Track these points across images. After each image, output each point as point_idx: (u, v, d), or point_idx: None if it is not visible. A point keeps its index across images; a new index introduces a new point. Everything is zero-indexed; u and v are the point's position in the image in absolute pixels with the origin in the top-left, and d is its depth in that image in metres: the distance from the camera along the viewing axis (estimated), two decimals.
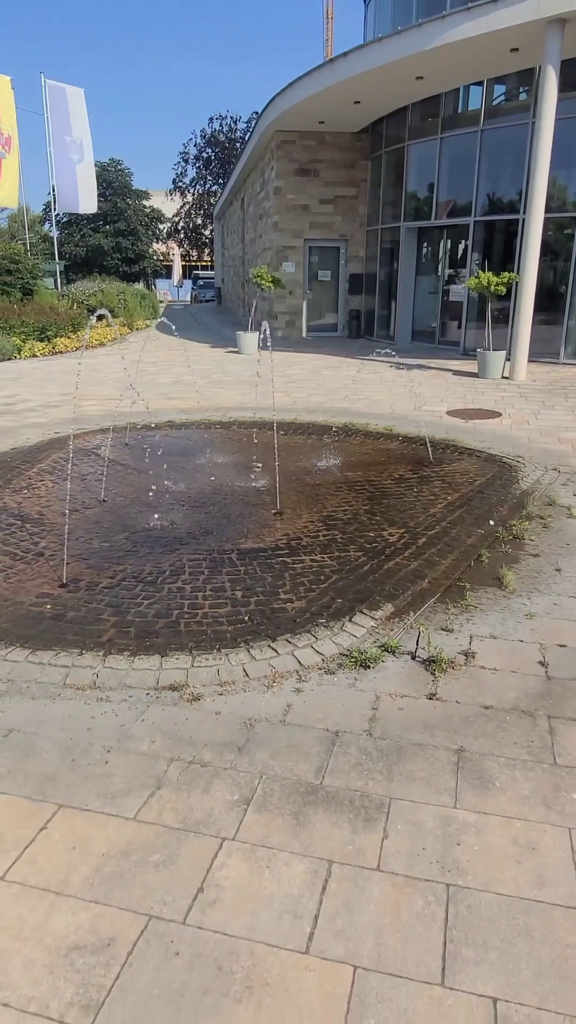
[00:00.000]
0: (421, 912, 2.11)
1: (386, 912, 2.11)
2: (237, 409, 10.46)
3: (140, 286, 34.80)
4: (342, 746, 2.86)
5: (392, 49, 13.03)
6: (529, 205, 12.07)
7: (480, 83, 14.68)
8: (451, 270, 17.01)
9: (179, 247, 51.78)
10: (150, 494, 6.34)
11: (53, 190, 24.87)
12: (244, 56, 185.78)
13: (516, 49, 12.38)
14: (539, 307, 12.93)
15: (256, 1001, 1.84)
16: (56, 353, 16.99)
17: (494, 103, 14.85)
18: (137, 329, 22.96)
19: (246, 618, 3.97)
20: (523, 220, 14.31)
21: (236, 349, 17.23)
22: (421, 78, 14.00)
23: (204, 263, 54.13)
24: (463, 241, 16.04)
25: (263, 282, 16.30)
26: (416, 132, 16.55)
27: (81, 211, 26.90)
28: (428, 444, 8.18)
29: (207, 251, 53.13)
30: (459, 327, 16.48)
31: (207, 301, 42.61)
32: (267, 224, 20.05)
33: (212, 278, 43.46)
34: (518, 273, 12.60)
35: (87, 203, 25.75)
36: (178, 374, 13.91)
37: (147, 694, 3.22)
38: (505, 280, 12.65)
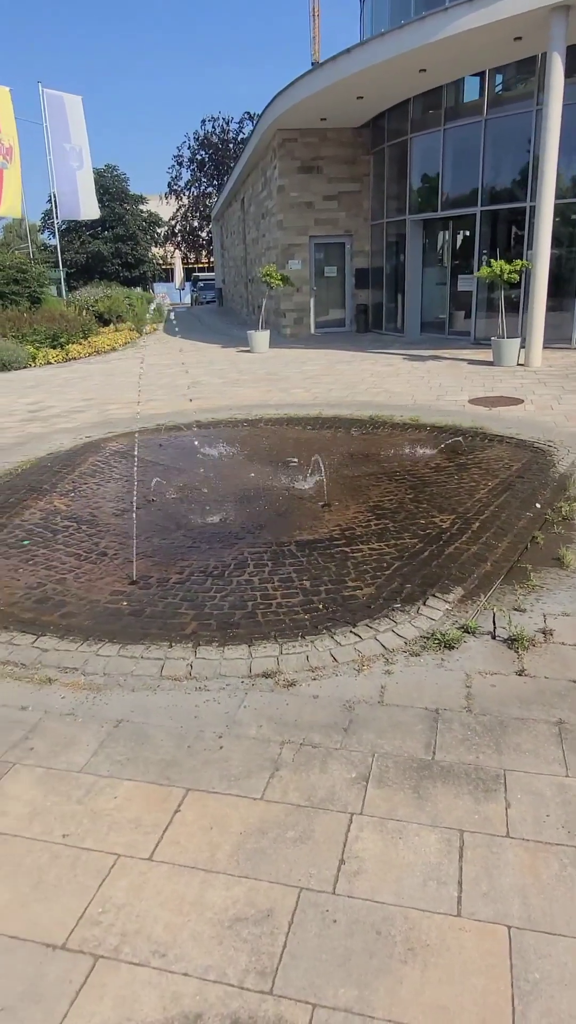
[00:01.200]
0: (559, 874, 2.18)
1: (526, 875, 2.18)
2: (260, 407, 10.53)
3: (138, 290, 34.86)
4: (445, 723, 2.93)
5: (395, 43, 13.08)
6: (539, 191, 12.13)
7: (482, 73, 14.72)
8: (457, 261, 17.06)
9: (177, 250, 51.86)
10: (195, 492, 6.42)
11: (53, 198, 24.96)
12: (231, 58, 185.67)
13: (520, 38, 12.43)
14: (548, 293, 12.98)
15: (421, 961, 1.92)
16: (70, 359, 17.08)
17: (497, 92, 14.89)
18: (146, 333, 23.03)
19: (321, 606, 4.04)
20: (530, 208, 14.40)
21: (247, 348, 17.30)
22: (424, 71, 14.05)
23: (202, 265, 54.22)
24: (469, 231, 16.08)
25: (272, 280, 16.37)
26: (419, 124, 16.60)
27: (83, 218, 27.00)
28: (457, 433, 8.27)
29: (204, 253, 53.20)
30: (468, 317, 16.53)
31: (208, 303, 42.72)
32: (271, 223, 20.12)
33: (212, 280, 43.57)
34: (530, 260, 12.65)
35: (88, 209, 25.84)
36: (195, 375, 13.98)
37: (242, 682, 3.29)
38: (517, 268, 12.71)
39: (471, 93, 15.61)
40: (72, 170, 24.76)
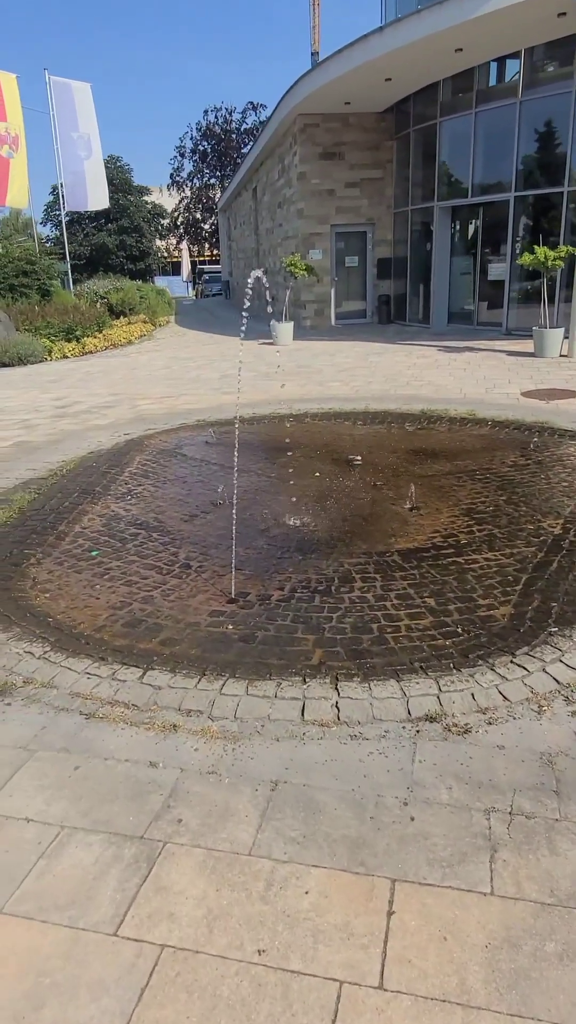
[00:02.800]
0: None
1: None
2: (300, 401, 10.00)
3: (150, 283, 34.22)
4: None
5: (431, 21, 12.50)
6: None
7: (518, 52, 14.14)
8: (488, 249, 16.50)
9: (181, 242, 51.13)
10: (262, 494, 5.89)
11: (60, 187, 24.29)
12: (231, 48, 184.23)
13: (564, 13, 11.86)
14: None
15: None
16: (86, 353, 16.50)
17: (533, 73, 14.31)
18: (159, 325, 22.45)
19: (458, 629, 3.52)
20: (568, 193, 13.86)
21: (269, 341, 16.74)
22: (460, 50, 13.48)
23: (204, 258, 53.50)
24: (502, 218, 15.51)
25: (296, 270, 15.80)
26: (448, 108, 16.02)
27: (91, 208, 26.36)
28: (522, 428, 7.80)
29: (207, 246, 52.50)
30: (499, 307, 15.98)
31: (214, 295, 42.03)
32: (290, 211, 19.52)
33: (218, 272, 42.89)
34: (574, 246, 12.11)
35: (97, 199, 25.18)
36: (222, 368, 13.44)
37: (404, 728, 2.77)
38: (562, 254, 12.16)
39: (505, 74, 15.03)
40: (80, 159, 24.10)
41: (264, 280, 3.97)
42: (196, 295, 45.65)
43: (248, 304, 3.73)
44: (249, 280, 16.53)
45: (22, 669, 3.26)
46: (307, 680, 3.08)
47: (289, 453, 7.33)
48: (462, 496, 5.70)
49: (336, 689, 3.00)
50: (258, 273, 3.94)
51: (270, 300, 21.02)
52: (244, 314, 4.70)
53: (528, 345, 13.63)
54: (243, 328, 8.29)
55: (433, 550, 4.58)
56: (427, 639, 3.45)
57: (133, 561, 4.56)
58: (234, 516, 4.65)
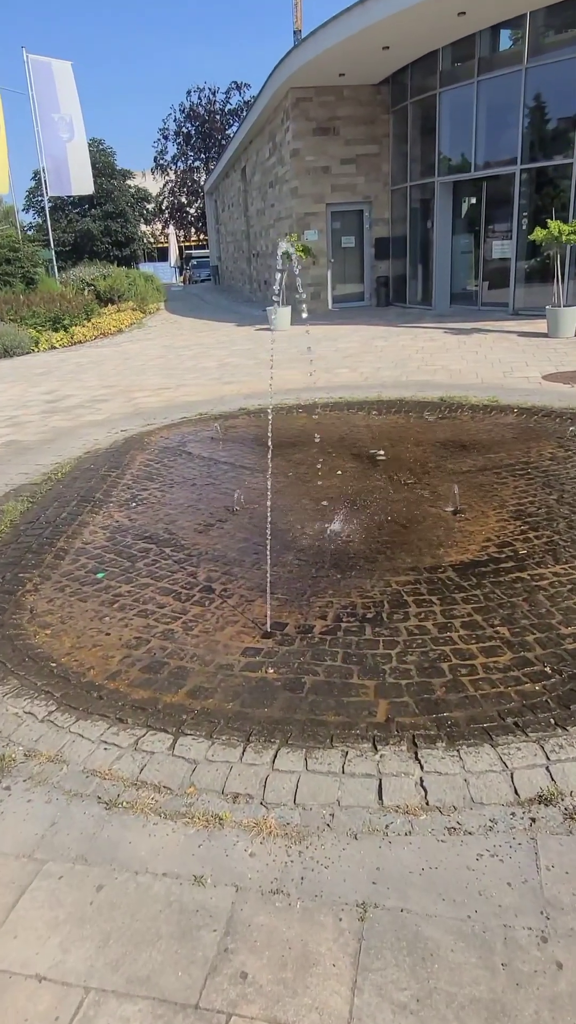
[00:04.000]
0: None
1: None
2: (307, 390, 9.36)
3: (139, 268, 33.34)
4: None
5: None
6: None
7: (522, 17, 13.40)
8: (491, 226, 15.83)
9: (167, 227, 50.03)
10: (281, 497, 5.27)
11: (42, 172, 23.42)
12: (212, 28, 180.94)
13: None
14: None
15: None
16: (76, 343, 15.77)
17: (540, 38, 13.58)
18: (150, 313, 21.68)
19: (547, 669, 2.93)
20: (575, 164, 13.20)
21: (265, 326, 16.05)
22: (463, 13, 12.74)
23: (191, 243, 52.43)
24: (507, 192, 14.84)
25: (295, 252, 15.07)
26: (448, 78, 15.28)
27: (74, 192, 25.45)
28: (551, 415, 7.24)
29: (193, 230, 51.45)
30: (506, 287, 15.33)
31: (203, 281, 41.05)
32: (283, 191, 18.75)
33: (206, 257, 41.87)
34: None
35: (81, 184, 24.27)
36: (220, 357, 12.76)
37: (513, 815, 2.17)
38: None
39: (508, 41, 14.31)
40: (62, 141, 23.18)
41: (292, 255, 3.34)
42: (184, 281, 44.66)
43: (278, 289, 3.12)
44: (277, 255, 15.77)
45: (23, 737, 2.65)
46: (378, 746, 2.48)
47: (304, 448, 6.72)
48: (506, 496, 5.10)
49: (417, 760, 2.40)
50: (285, 246, 3.31)
51: (261, 285, 20.28)
52: (275, 296, 4.06)
53: (538, 325, 13.03)
54: (276, 302, 7.62)
55: (491, 563, 3.98)
56: (512, 682, 2.85)
57: (146, 584, 3.94)
58: (263, 525, 4.03)
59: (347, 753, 2.45)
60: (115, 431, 7.82)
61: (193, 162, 47.52)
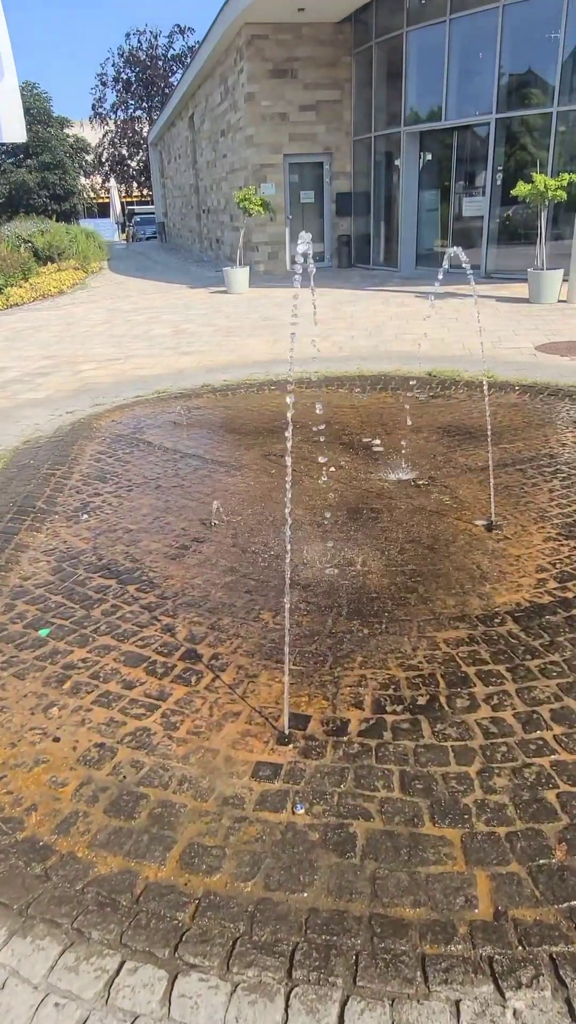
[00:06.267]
0: None
1: None
2: (277, 363, 8.33)
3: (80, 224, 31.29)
4: None
5: None
6: None
7: None
8: (462, 181, 14.80)
9: (108, 181, 47.39)
10: (269, 506, 4.27)
11: None
12: None
13: None
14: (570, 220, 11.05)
15: None
16: (12, 306, 14.28)
17: None
18: (92, 272, 20.09)
19: None
20: (556, 113, 12.23)
21: (221, 288, 14.82)
22: None
23: (134, 198, 49.92)
24: (480, 144, 13.80)
25: (252, 206, 13.83)
26: (417, 16, 14.05)
27: (5, 140, 23.25)
28: (560, 394, 6.43)
29: (136, 184, 48.98)
30: (478, 247, 14.38)
31: (148, 238, 38.95)
32: (237, 140, 17.33)
33: (152, 213, 39.71)
34: None
35: (12, 131, 22.02)
36: (174, 323, 11.55)
37: None
38: (564, 183, 10.59)
39: None
40: None
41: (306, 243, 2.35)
42: (128, 239, 42.41)
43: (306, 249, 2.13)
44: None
45: None
46: (504, 989, 1.54)
47: (285, 437, 5.69)
48: (544, 503, 4.20)
49: (573, 1013, 1.47)
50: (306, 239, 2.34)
51: (214, 243, 18.94)
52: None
53: (515, 289, 12.18)
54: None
55: (558, 607, 3.07)
56: None
57: (106, 648, 2.91)
58: (251, 547, 3.03)
59: (458, 1006, 1.50)
60: (59, 413, 6.68)
61: (134, 111, 45.00)
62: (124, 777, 2.22)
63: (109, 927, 1.70)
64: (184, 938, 1.67)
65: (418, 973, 1.58)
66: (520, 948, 1.64)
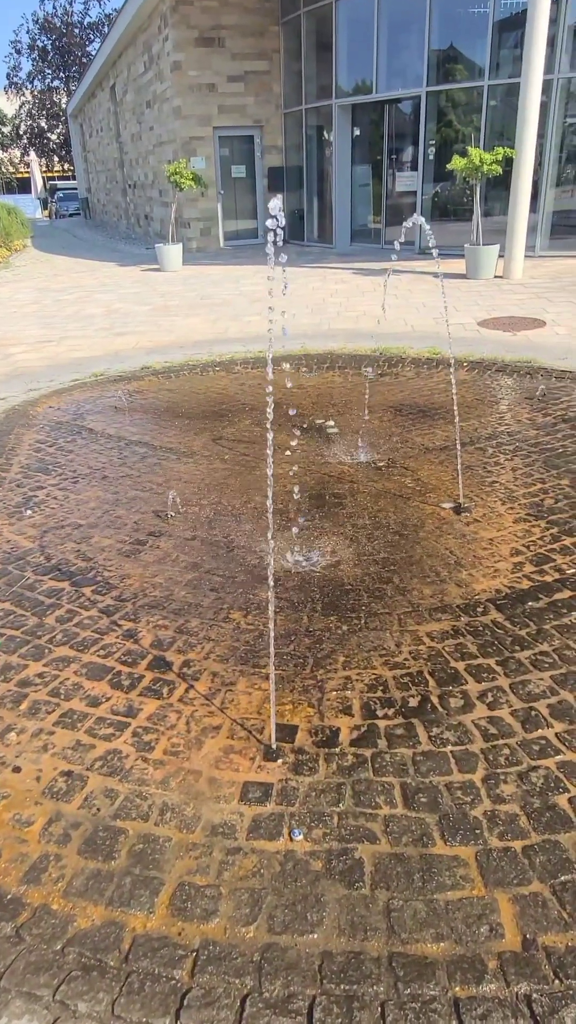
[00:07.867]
0: None
1: None
2: (218, 342, 8.06)
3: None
4: None
5: None
6: (526, 62, 9.91)
7: None
8: (394, 156, 14.65)
9: (27, 154, 45.48)
10: (224, 494, 4.05)
11: None
12: None
13: None
14: (501, 195, 11.06)
15: None
16: None
17: None
18: (15, 251, 19.22)
19: None
20: (488, 87, 12.18)
21: (154, 266, 14.34)
22: None
23: (55, 173, 48.12)
24: (412, 118, 13.66)
25: (183, 181, 13.38)
26: None
27: None
28: (505, 370, 6.39)
29: (56, 159, 47.23)
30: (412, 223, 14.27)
31: (71, 215, 37.57)
32: (163, 111, 16.73)
33: (74, 189, 38.28)
34: (513, 148, 10.51)
35: None
36: (107, 302, 11.08)
37: None
38: (498, 157, 10.54)
39: None
40: None
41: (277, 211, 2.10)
42: (50, 215, 40.86)
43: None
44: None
45: None
46: None
47: (234, 420, 5.47)
48: (508, 481, 4.10)
49: None
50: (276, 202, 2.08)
51: (141, 220, 18.33)
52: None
53: (451, 265, 12.12)
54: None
55: (539, 592, 2.95)
56: None
57: (65, 660, 2.66)
58: (211, 539, 2.82)
59: None
60: None
61: (52, 82, 43.24)
62: (98, 810, 1.99)
63: (97, 996, 1.49)
64: (186, 1002, 1.47)
65: (453, 1022, 1.42)
66: (557, 982, 1.49)
